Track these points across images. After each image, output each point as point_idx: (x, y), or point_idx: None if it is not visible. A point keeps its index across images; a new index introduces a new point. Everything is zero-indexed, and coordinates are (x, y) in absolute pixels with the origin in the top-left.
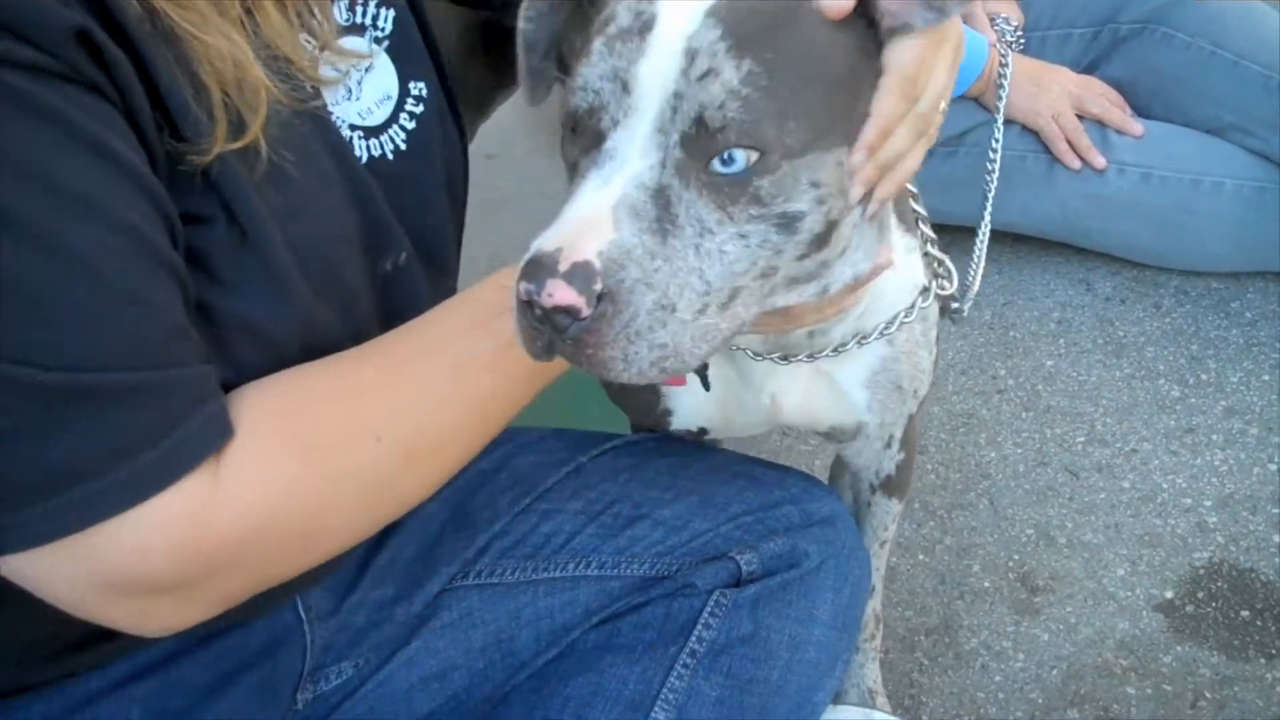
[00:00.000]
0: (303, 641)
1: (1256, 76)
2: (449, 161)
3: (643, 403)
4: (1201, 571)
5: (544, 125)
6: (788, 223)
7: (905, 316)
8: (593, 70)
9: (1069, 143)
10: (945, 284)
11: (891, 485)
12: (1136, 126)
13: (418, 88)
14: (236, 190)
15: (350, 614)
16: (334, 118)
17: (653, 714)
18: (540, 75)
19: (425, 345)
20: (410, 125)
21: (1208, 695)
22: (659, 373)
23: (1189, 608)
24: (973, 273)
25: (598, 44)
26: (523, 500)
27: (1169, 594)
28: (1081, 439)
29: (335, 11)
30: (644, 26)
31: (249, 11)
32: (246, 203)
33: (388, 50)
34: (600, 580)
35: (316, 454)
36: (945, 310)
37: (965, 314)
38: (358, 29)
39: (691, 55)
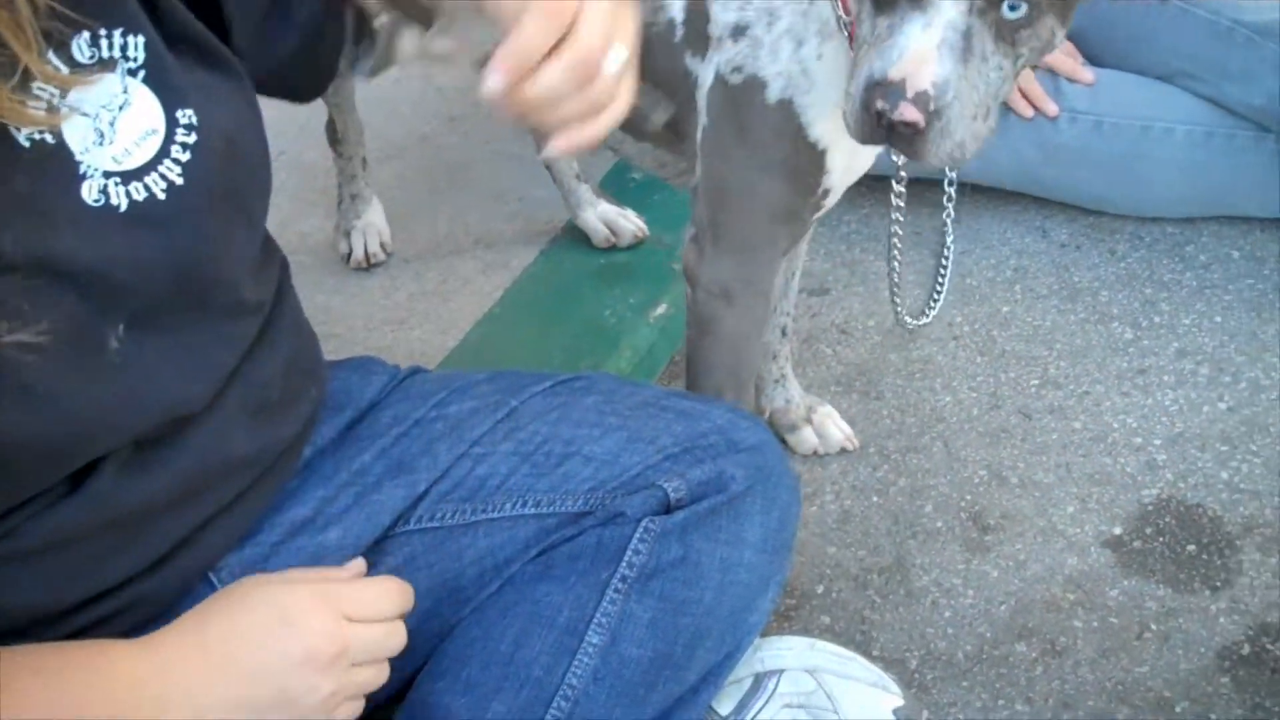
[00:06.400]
0: None
1: (1203, 22)
2: (242, 179)
3: (807, 186)
4: (1150, 508)
5: None
6: (1016, 60)
7: None
8: None
9: (1021, 91)
10: None
11: None
12: (1087, 74)
13: (186, 115)
14: None
15: (280, 564)
16: (83, 168)
17: (587, 637)
18: None
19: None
20: (185, 157)
21: (1153, 627)
22: (951, 162)
23: (1136, 543)
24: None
25: None
26: (459, 446)
27: (1117, 530)
28: (1035, 382)
29: (75, 50)
30: None
31: None
32: None
33: (145, 81)
34: (537, 518)
35: None
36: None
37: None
38: (107, 64)
39: None
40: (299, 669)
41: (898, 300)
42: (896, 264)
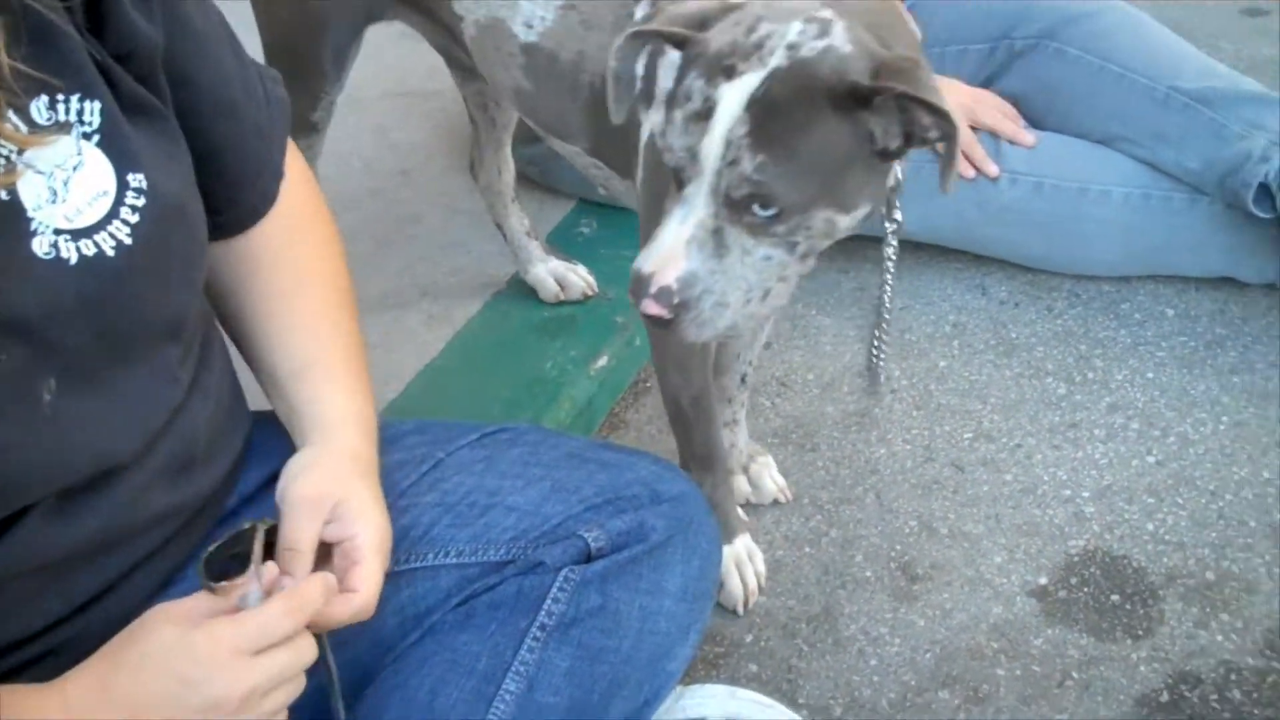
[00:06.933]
0: None
1: (1142, 88)
2: (186, 242)
3: None
4: (1076, 558)
5: (457, 144)
6: (791, 248)
7: None
8: (676, 141)
9: (964, 153)
10: None
11: None
12: (1028, 137)
13: (137, 179)
14: None
15: None
16: (35, 224)
17: (504, 685)
18: (624, 101)
19: None
20: (134, 219)
21: (1074, 675)
22: (725, 339)
23: (1061, 593)
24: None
25: (679, 117)
26: (385, 499)
27: (1043, 580)
28: (969, 435)
29: (34, 111)
30: (707, 112)
31: None
32: None
33: (99, 144)
34: (459, 567)
35: None
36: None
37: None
38: (62, 127)
39: (727, 144)
40: (210, 717)
41: (880, 364)
42: (886, 328)
